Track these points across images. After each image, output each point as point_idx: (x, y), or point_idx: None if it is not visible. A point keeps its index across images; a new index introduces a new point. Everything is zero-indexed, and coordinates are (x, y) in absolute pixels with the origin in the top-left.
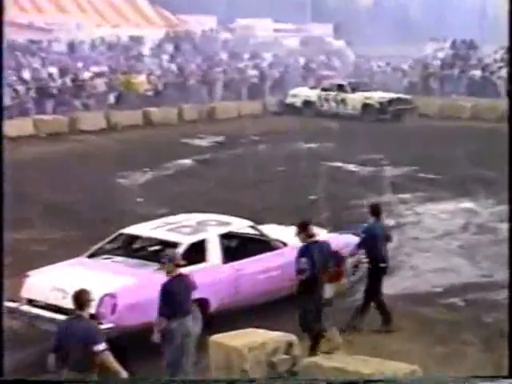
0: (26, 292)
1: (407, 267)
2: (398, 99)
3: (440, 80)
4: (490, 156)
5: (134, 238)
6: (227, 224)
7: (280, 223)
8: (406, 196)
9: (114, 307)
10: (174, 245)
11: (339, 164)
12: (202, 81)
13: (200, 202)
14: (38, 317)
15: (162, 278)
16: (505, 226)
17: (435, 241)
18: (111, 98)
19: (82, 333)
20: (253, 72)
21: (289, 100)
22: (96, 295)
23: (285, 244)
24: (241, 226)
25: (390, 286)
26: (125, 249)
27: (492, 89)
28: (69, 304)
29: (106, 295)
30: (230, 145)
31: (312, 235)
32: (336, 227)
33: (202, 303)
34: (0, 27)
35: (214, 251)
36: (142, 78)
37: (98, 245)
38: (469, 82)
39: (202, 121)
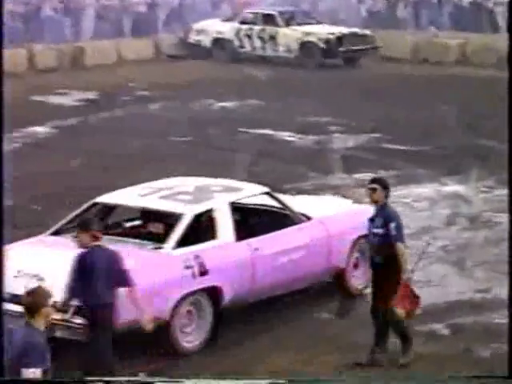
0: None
1: None
2: (353, 35)
3: (413, 7)
4: (484, 118)
5: (110, 210)
6: (237, 190)
7: None
8: (366, 176)
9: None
10: (171, 217)
11: (268, 131)
12: (64, 9)
13: (59, 189)
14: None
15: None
16: (505, 218)
17: (408, 241)
18: None
19: None
20: None
21: (193, 38)
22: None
23: (308, 218)
24: (254, 192)
25: None
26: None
27: (487, 20)
28: None
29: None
30: (107, 104)
31: None
32: None
33: (214, 293)
34: None
35: (225, 225)
36: None
37: (65, 219)
38: (454, 11)
39: (64, 69)
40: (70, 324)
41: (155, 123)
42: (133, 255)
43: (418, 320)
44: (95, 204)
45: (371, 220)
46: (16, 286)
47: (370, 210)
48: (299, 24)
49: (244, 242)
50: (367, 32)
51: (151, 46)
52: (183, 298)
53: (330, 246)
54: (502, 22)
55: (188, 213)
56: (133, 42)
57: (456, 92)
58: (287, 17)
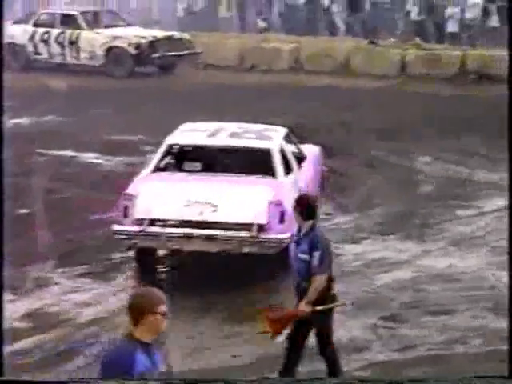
0: (143, 213)
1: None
2: (168, 40)
3: (237, 6)
4: (317, 132)
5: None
6: (275, 131)
7: None
8: None
9: (282, 215)
10: (255, 153)
11: (70, 152)
12: None
13: None
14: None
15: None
16: (349, 250)
17: None
18: None
19: None
20: None
21: None
22: (256, 204)
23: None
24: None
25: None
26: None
27: (323, 21)
28: (218, 217)
29: (271, 203)
30: None
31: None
32: (62, 262)
33: None
34: None
35: (280, 161)
36: None
37: (154, 162)
38: (285, 11)
39: None
40: (257, 240)
41: None
42: (265, 183)
43: None
44: (172, 146)
45: (297, 242)
46: (188, 212)
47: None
48: (105, 26)
49: (290, 177)
50: (185, 35)
51: None
52: None
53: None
54: (341, 23)
55: (274, 148)
56: None
57: (288, 102)
58: (91, 18)
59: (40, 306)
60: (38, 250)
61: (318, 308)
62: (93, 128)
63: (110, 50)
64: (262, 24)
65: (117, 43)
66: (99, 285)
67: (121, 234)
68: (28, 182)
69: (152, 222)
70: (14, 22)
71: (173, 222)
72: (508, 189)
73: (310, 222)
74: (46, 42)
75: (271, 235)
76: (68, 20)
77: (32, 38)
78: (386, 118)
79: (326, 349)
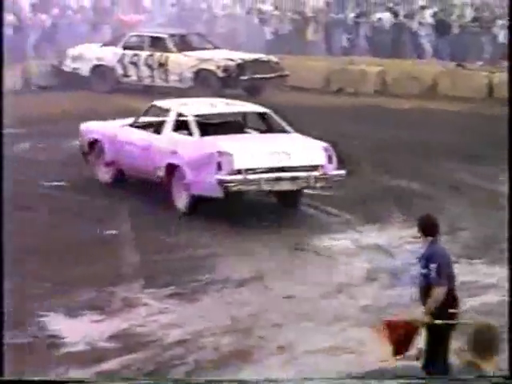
0: (240, 165)
1: (272, 348)
2: (256, 62)
3: (325, 29)
4: (403, 158)
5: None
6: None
7: None
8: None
9: (330, 157)
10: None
11: None
12: None
13: None
14: (268, 180)
15: None
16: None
17: (322, 300)
18: None
19: None
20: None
21: (68, 65)
22: (315, 150)
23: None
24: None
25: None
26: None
27: (410, 44)
28: (293, 162)
29: (323, 148)
30: None
31: None
32: (149, 283)
33: None
34: None
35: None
36: None
37: (195, 131)
38: (372, 34)
39: None
40: (324, 176)
41: (22, 166)
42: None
43: None
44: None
45: (419, 259)
46: (271, 161)
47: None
48: (193, 49)
49: None
50: (272, 58)
51: (19, 74)
52: None
53: None
54: (428, 46)
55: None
56: None
57: (374, 126)
58: (179, 40)
59: (127, 327)
60: (125, 271)
61: (438, 322)
62: None
63: (198, 72)
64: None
65: (205, 66)
66: (185, 306)
67: (226, 182)
68: (115, 203)
69: (242, 171)
70: (104, 45)
71: (262, 169)
72: (508, 191)
73: (431, 238)
74: (135, 64)
75: (332, 172)
76: (157, 42)
77: (121, 60)
78: (471, 141)
79: (432, 365)
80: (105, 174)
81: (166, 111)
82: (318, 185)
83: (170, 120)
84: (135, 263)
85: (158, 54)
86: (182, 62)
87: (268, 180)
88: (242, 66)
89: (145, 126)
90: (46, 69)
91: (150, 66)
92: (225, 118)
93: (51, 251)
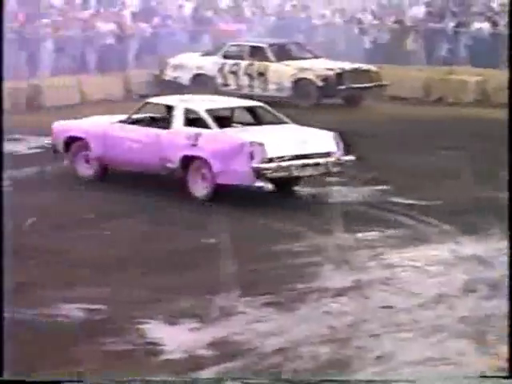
0: (272, 153)
1: (371, 358)
2: (355, 71)
3: (424, 38)
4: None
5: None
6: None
7: None
8: (370, 235)
9: (338, 144)
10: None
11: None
12: (17, 41)
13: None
14: (297, 166)
15: None
16: None
17: (420, 311)
18: None
19: None
20: (106, 26)
21: (169, 74)
22: (327, 138)
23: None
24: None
25: None
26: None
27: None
28: (312, 150)
29: (332, 136)
30: None
31: None
32: (247, 291)
33: None
34: None
35: None
36: None
37: (211, 123)
38: (471, 42)
39: (19, 110)
40: (339, 162)
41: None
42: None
43: None
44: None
45: None
46: (294, 149)
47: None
48: (293, 58)
49: None
50: (371, 67)
51: (120, 83)
52: None
53: None
54: None
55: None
56: (98, 78)
57: (474, 137)
58: (279, 50)
59: (225, 335)
60: (222, 280)
61: None
62: None
63: (297, 81)
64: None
65: (304, 75)
66: (283, 315)
67: (262, 170)
68: (213, 211)
69: (274, 159)
70: (204, 54)
71: (289, 157)
72: (508, 189)
73: None
74: (234, 73)
75: (344, 158)
76: (256, 52)
77: (221, 69)
78: None
79: None
80: (87, 170)
81: (168, 108)
82: (335, 170)
83: (179, 115)
84: (233, 272)
85: (257, 64)
86: (282, 72)
87: (296, 166)
88: (340, 76)
89: (139, 123)
90: (146, 78)
91: (249, 75)
92: (220, 113)
93: (151, 259)
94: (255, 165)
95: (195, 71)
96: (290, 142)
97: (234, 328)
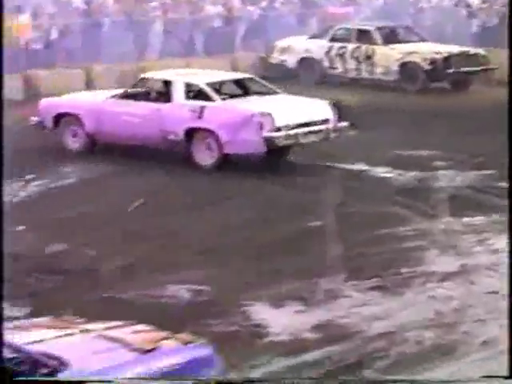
0: (279, 123)
1: (476, 345)
2: (463, 55)
3: None
4: None
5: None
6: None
7: None
8: (477, 220)
9: (334, 112)
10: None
11: (361, 166)
12: (126, 24)
13: (120, 231)
14: (302, 134)
15: None
16: None
17: None
18: None
19: None
20: (214, 9)
21: (276, 57)
22: (323, 106)
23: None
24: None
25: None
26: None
27: None
28: (312, 118)
29: (328, 103)
30: None
31: None
32: (353, 275)
33: None
34: None
35: None
36: (24, 18)
37: (213, 96)
38: None
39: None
40: (336, 128)
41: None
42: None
43: None
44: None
45: None
46: (297, 118)
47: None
48: (400, 41)
49: None
50: (480, 51)
51: (228, 65)
52: None
53: None
54: None
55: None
56: (206, 61)
57: None
58: (386, 33)
59: (330, 318)
60: (328, 263)
61: None
62: (384, 142)
63: (404, 65)
64: None
65: (411, 58)
66: (388, 299)
67: (272, 138)
68: (317, 194)
69: (282, 128)
70: (311, 38)
71: (293, 125)
72: (508, 193)
73: None
74: (341, 56)
75: (340, 124)
76: (364, 35)
77: (328, 52)
78: None
79: None
80: (74, 143)
81: (165, 82)
82: (333, 135)
83: (179, 89)
84: (339, 255)
85: (364, 47)
86: (389, 55)
87: (303, 134)
88: (448, 59)
89: (134, 97)
90: (253, 61)
91: (356, 59)
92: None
93: (257, 243)
94: (266, 134)
95: (302, 54)
96: (293, 110)
97: (339, 311)
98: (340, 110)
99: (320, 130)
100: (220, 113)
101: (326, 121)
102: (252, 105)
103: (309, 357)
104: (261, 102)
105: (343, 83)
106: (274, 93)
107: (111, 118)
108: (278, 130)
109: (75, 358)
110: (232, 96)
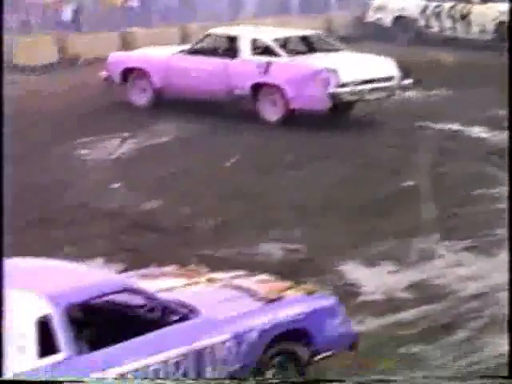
0: (345, 79)
1: None
2: None
3: None
4: None
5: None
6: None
7: None
8: None
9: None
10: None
11: (456, 126)
12: None
13: (215, 189)
14: (367, 90)
15: None
16: None
17: None
18: (67, 13)
19: None
20: None
21: (371, 16)
22: (388, 62)
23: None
24: None
25: None
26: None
27: None
28: (377, 74)
29: (393, 61)
30: None
31: None
32: (446, 235)
33: None
34: None
35: None
36: None
37: (279, 52)
38: None
39: None
40: (400, 85)
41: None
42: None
43: None
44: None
45: None
46: (363, 74)
47: None
48: (496, 0)
49: None
50: None
51: (322, 24)
52: None
53: None
54: None
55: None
56: (301, 20)
57: None
58: None
59: (424, 278)
60: (422, 223)
61: None
62: (479, 102)
63: (500, 24)
64: None
65: (507, 18)
66: (482, 260)
67: (337, 94)
68: (411, 154)
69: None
70: None
71: (358, 82)
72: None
73: None
74: (437, 15)
75: (404, 81)
76: None
77: (424, 11)
78: None
79: None
80: (141, 99)
81: (231, 39)
82: (397, 92)
83: (246, 45)
84: (433, 216)
85: (460, 6)
86: (485, 14)
87: (369, 90)
88: None
89: (201, 53)
90: (348, 20)
91: (452, 18)
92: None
93: (351, 202)
94: (332, 90)
95: (397, 13)
96: (358, 67)
97: (432, 272)
98: (406, 69)
99: (385, 87)
100: (286, 69)
101: (390, 78)
102: (318, 61)
103: (402, 316)
104: (326, 58)
105: (438, 42)
106: (340, 50)
107: (179, 73)
108: (343, 86)
109: (204, 306)
110: (298, 52)
